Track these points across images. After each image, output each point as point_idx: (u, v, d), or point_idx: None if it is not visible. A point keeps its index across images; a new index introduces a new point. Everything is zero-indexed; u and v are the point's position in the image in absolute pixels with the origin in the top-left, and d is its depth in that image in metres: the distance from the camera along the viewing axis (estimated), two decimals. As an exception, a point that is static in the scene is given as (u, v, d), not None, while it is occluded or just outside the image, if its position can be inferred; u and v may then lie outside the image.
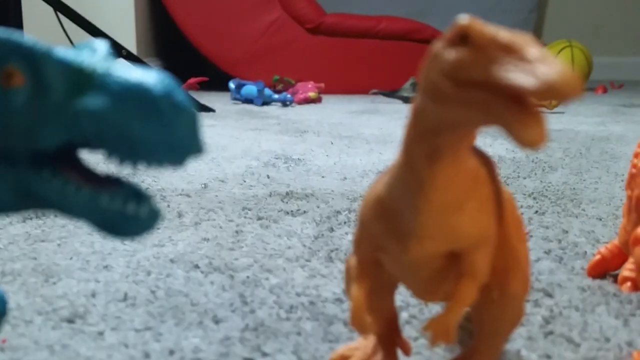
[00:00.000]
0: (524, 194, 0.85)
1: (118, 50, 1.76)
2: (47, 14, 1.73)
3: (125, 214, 0.22)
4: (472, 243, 0.29)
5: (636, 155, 0.49)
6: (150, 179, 0.92)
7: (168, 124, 0.21)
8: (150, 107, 0.21)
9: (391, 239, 0.29)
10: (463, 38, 0.22)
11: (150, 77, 0.21)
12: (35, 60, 0.21)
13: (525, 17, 3.13)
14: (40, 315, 0.46)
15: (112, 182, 0.23)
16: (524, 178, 0.95)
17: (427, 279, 0.31)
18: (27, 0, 1.70)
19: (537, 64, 0.20)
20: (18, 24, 1.65)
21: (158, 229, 0.68)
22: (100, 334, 0.44)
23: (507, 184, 0.91)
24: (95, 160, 0.24)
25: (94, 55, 0.23)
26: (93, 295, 0.50)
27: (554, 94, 0.20)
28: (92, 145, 0.22)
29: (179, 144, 0.21)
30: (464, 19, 0.23)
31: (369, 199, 0.31)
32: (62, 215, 0.23)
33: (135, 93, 0.21)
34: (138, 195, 0.23)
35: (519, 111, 0.21)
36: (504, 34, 0.22)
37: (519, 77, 0.21)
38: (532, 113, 0.21)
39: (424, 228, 0.28)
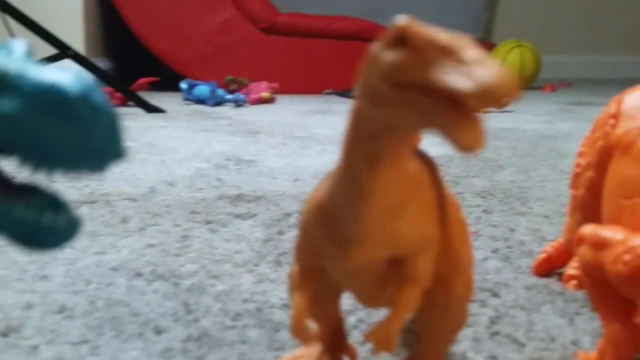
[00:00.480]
0: (473, 193, 0.86)
1: (64, 50, 1.71)
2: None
3: (41, 225, 0.21)
4: (415, 247, 0.28)
5: (580, 155, 0.50)
6: (94, 183, 0.89)
7: (85, 128, 0.20)
8: (65, 110, 0.19)
9: (332, 245, 0.29)
10: (401, 39, 0.22)
11: (65, 77, 0.20)
12: None
13: (476, 17, 3.17)
14: (-30, 330, 0.44)
15: (28, 191, 0.22)
16: (473, 177, 0.96)
17: (370, 285, 0.31)
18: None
19: (474, 67, 0.20)
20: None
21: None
22: (35, 348, 0.42)
23: (457, 183, 0.91)
24: (12, 166, 0.22)
25: (8, 56, 0.21)
26: (29, 307, 0.48)
27: (491, 98, 0.19)
28: (4, 151, 0.20)
29: (97, 148, 0.20)
30: (402, 19, 0.22)
31: (310, 204, 0.30)
32: None
33: (49, 95, 0.19)
34: (55, 205, 0.22)
35: (457, 114, 0.21)
36: (442, 36, 0.21)
37: (456, 80, 0.20)
38: (469, 116, 0.21)
39: (365, 233, 0.27)
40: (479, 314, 0.48)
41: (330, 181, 0.29)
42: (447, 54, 0.21)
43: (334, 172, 0.29)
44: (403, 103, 0.22)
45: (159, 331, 0.44)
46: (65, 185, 0.88)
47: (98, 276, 0.54)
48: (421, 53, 0.21)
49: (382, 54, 0.23)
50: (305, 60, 2.44)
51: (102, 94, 0.20)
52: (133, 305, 0.48)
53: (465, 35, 0.21)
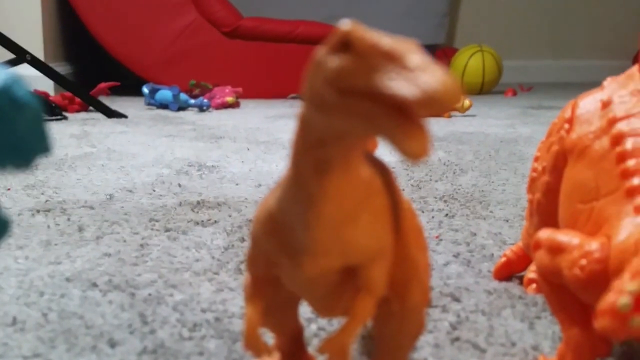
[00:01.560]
0: (435, 197, 0.86)
1: (22, 54, 1.67)
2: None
3: None
4: (368, 256, 0.28)
5: (536, 159, 0.50)
6: (50, 190, 0.87)
7: (7, 122, 0.19)
8: None
9: (284, 255, 0.28)
10: (345, 44, 0.21)
11: None
12: None
13: (438, 22, 3.20)
14: None
15: None
16: (436, 181, 0.96)
17: (324, 295, 0.30)
18: None
19: (418, 73, 0.20)
20: None
21: (56, 244, 0.64)
22: (-18, 364, 0.40)
23: (419, 188, 0.92)
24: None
25: None
26: (-24, 321, 0.46)
27: (435, 104, 0.19)
28: None
29: (21, 143, 0.19)
30: (346, 24, 0.22)
31: (261, 213, 0.29)
32: None
33: None
34: None
35: (402, 122, 0.20)
36: (386, 41, 0.21)
37: (400, 86, 0.20)
38: (415, 123, 0.20)
39: (317, 243, 0.26)
40: (439, 319, 0.48)
41: (280, 190, 0.28)
42: (391, 59, 0.21)
43: (283, 180, 0.28)
44: (348, 109, 0.22)
45: (113, 344, 0.43)
46: (21, 193, 0.85)
47: (52, 287, 0.52)
48: (365, 58, 0.21)
49: (327, 59, 0.22)
50: (270, 64, 2.43)
51: (25, 87, 0.19)
52: (87, 317, 0.47)
53: (410, 40, 0.21)
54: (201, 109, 1.94)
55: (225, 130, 1.53)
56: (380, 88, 0.20)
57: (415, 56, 0.20)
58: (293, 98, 2.16)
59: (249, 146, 1.29)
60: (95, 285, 0.53)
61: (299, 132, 0.25)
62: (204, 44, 2.36)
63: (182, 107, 1.95)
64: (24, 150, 0.20)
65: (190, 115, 1.84)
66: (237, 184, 0.95)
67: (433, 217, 0.76)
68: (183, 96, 1.96)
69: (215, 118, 1.77)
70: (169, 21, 2.34)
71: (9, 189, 0.87)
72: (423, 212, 0.78)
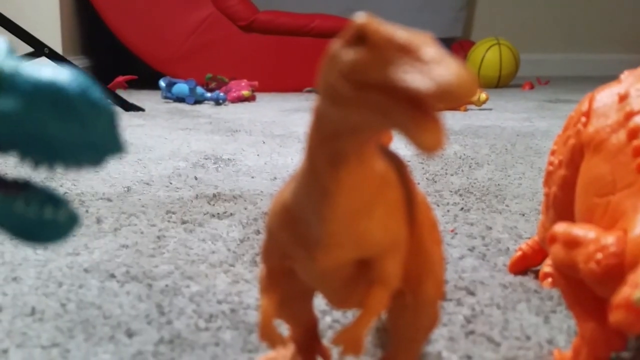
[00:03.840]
0: (451, 191, 0.86)
1: (40, 48, 1.68)
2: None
3: (42, 219, 0.21)
4: (382, 249, 0.28)
5: (553, 153, 0.50)
6: (69, 182, 0.88)
7: (85, 123, 0.20)
8: (66, 106, 0.20)
9: (299, 248, 0.28)
10: (360, 38, 0.21)
11: (63, 75, 0.20)
12: None
13: (455, 15, 3.18)
14: (-64, 335, 0.43)
15: (25, 187, 0.22)
16: (451, 175, 0.96)
17: (339, 287, 0.30)
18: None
19: (433, 65, 0.20)
20: None
21: (74, 235, 0.65)
22: (5, 351, 0.41)
23: (435, 181, 0.91)
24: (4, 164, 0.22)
25: None
26: (-2, 310, 0.47)
27: (449, 97, 0.19)
28: (4, 148, 0.20)
29: (97, 143, 0.20)
30: (361, 17, 0.22)
31: (276, 206, 0.30)
32: None
33: (48, 92, 0.19)
34: (55, 199, 0.22)
35: (417, 115, 0.20)
36: (401, 34, 0.21)
37: (415, 79, 0.20)
38: (429, 116, 0.20)
39: (331, 236, 0.27)
40: (454, 312, 0.48)
41: (295, 182, 0.28)
42: (406, 52, 0.21)
43: (298, 173, 0.28)
44: (363, 102, 0.22)
45: (130, 334, 0.43)
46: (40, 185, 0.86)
47: (70, 278, 0.53)
48: (380, 51, 0.21)
49: (342, 52, 0.22)
50: (285, 58, 2.43)
51: (99, 90, 0.20)
52: (105, 307, 0.48)
53: (425, 33, 0.21)
54: (217, 102, 1.94)
55: (241, 123, 1.53)
56: (395, 81, 0.20)
57: (430, 49, 0.20)
58: (308, 92, 2.16)
59: (265, 139, 1.30)
60: (113, 276, 0.54)
61: (314, 125, 0.25)
62: (220, 38, 2.37)
63: (199, 101, 1.96)
64: (100, 150, 0.21)
65: (206, 108, 1.85)
66: (252, 177, 0.95)
67: (448, 210, 0.76)
68: (199, 90, 1.96)
69: (231, 111, 1.78)
70: (185, 15, 2.34)
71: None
72: (438, 205, 0.78)
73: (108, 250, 0.61)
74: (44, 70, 0.20)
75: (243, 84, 2.12)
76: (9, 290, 0.51)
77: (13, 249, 0.60)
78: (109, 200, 0.79)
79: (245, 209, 0.77)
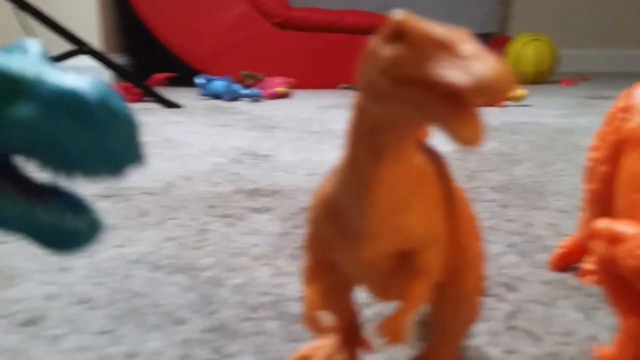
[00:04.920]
0: (489, 188, 0.85)
1: (81, 46, 1.72)
2: (3, 8, 1.69)
3: (62, 227, 0.21)
4: (422, 242, 0.29)
5: (593, 149, 0.50)
6: (113, 177, 0.90)
7: (104, 133, 0.20)
8: (85, 115, 0.20)
9: (340, 239, 0.29)
10: (398, 34, 0.22)
11: (84, 83, 0.20)
12: None
13: (491, 10, 3.15)
14: (-5, 320, 0.45)
15: (49, 192, 0.22)
16: (489, 171, 0.96)
17: (380, 279, 0.31)
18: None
19: (471, 61, 0.20)
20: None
21: (120, 228, 0.67)
22: (57, 338, 0.43)
23: (473, 178, 0.91)
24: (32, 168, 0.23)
25: (24, 57, 0.21)
26: (51, 298, 0.49)
27: (488, 92, 0.19)
28: (24, 155, 0.20)
29: (116, 153, 0.20)
30: (398, 14, 0.22)
31: (318, 200, 0.30)
32: None
33: (68, 100, 0.19)
34: (77, 206, 0.22)
35: (455, 109, 0.21)
36: (439, 30, 0.21)
37: (453, 74, 0.20)
38: (468, 111, 0.21)
39: (371, 228, 0.27)
40: (495, 308, 0.48)
41: (336, 176, 0.29)
42: (444, 48, 0.21)
43: (339, 167, 0.29)
44: (402, 98, 0.22)
45: (178, 322, 0.45)
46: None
47: (118, 268, 0.55)
48: (418, 47, 0.22)
49: (381, 48, 0.23)
50: (320, 54, 2.44)
51: (120, 99, 0.20)
52: (153, 297, 0.49)
53: (463, 29, 0.22)
54: (253, 99, 1.96)
55: (278, 120, 1.55)
56: (433, 76, 0.21)
57: (468, 45, 0.21)
58: (343, 88, 2.16)
59: (301, 136, 1.31)
60: (158, 267, 0.56)
61: (354, 121, 0.26)
62: (255, 35, 2.39)
63: (235, 98, 1.98)
64: (119, 160, 0.20)
65: (242, 105, 1.87)
66: (290, 173, 0.96)
67: (487, 207, 0.76)
68: (236, 87, 1.99)
69: (267, 108, 1.80)
70: (220, 13, 2.37)
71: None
72: (476, 202, 0.78)
73: (153, 242, 0.63)
74: (66, 77, 0.20)
75: (278, 80, 2.14)
76: (60, 280, 0.53)
77: (63, 241, 0.62)
78: (152, 194, 0.82)
79: (284, 204, 0.78)
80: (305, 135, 1.32)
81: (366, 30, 2.44)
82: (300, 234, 0.66)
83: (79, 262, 0.56)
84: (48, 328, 0.44)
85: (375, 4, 2.85)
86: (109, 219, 0.70)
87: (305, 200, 0.80)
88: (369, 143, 0.25)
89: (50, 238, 0.21)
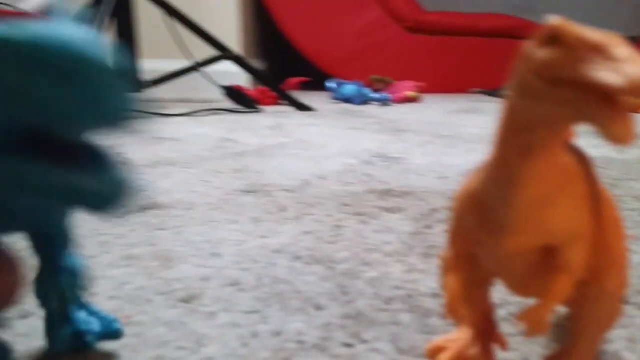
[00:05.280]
0: (632, 197, 0.82)
1: (225, 52, 1.84)
2: (160, 16, 1.84)
3: (100, 192, 0.21)
4: (567, 238, 0.30)
5: None
6: (254, 174, 0.97)
7: (74, 81, 0.19)
8: (44, 64, 0.19)
9: (485, 232, 0.31)
10: (554, 38, 0.24)
11: (47, 31, 0.19)
12: None
13: (633, 14, 2.95)
14: (159, 295, 0.51)
15: (80, 154, 0.22)
16: (633, 180, 0.91)
17: (522, 273, 0.32)
18: (141, 5, 1.81)
19: (624, 63, 0.21)
20: (132, 25, 1.77)
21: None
22: (213, 314, 0.48)
23: (616, 187, 0.87)
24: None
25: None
26: (205, 279, 0.54)
27: None
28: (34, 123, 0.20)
29: (98, 104, 0.20)
30: (555, 20, 0.24)
31: (463, 193, 0.32)
32: (40, 196, 0.21)
33: (30, 52, 0.19)
34: (100, 168, 0.22)
35: (608, 109, 0.22)
36: (593, 34, 0.23)
37: (607, 75, 0.21)
38: (620, 111, 0.22)
39: (517, 222, 0.29)
40: (634, 316, 0.47)
41: (483, 172, 0.31)
42: (598, 51, 0.22)
43: (486, 163, 0.30)
44: (556, 98, 0.24)
45: (318, 308, 0.48)
46: (231, 176, 0.96)
47: (263, 257, 0.60)
48: (573, 51, 0.23)
49: (536, 51, 0.25)
50: (452, 58, 2.42)
51: (96, 47, 0.19)
52: (294, 284, 0.53)
53: (615, 34, 0.23)
54: (383, 103, 1.99)
55: (408, 123, 1.56)
56: (587, 77, 0.22)
57: (621, 48, 0.22)
58: (475, 92, 2.13)
59: (432, 140, 1.32)
60: (298, 257, 0.60)
61: (505, 119, 0.28)
62: (386, 40, 2.42)
63: (365, 102, 2.02)
64: (104, 111, 0.20)
65: (372, 109, 1.90)
66: (421, 176, 0.98)
67: (629, 216, 0.73)
68: (366, 91, 2.03)
69: (397, 112, 1.82)
70: (352, 18, 2.43)
71: (220, 172, 0.99)
72: (619, 211, 0.75)
73: (292, 235, 0.67)
74: (32, 29, 0.19)
75: (408, 84, 2.15)
76: (212, 264, 0.58)
77: (213, 230, 0.68)
78: (290, 191, 0.87)
79: (416, 205, 0.80)
80: (435, 139, 1.33)
81: (501, 34, 2.39)
82: (432, 234, 0.68)
83: (229, 250, 0.62)
84: (204, 305, 0.49)
85: (510, 6, 2.77)
86: (254, 211, 0.76)
87: (437, 202, 0.81)
88: (519, 140, 0.27)
89: (77, 199, 0.21)
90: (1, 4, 2.18)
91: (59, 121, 0.20)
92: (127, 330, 0.44)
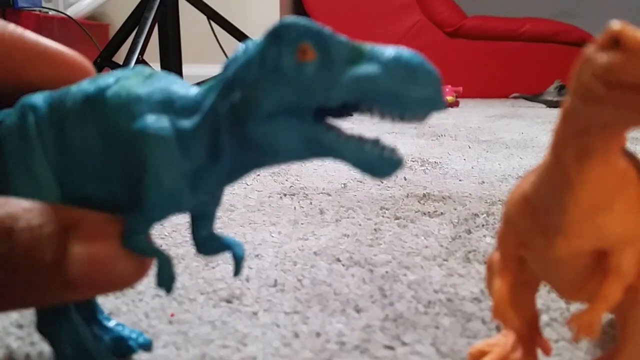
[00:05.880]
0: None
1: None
2: (201, 22, 1.87)
3: (383, 157, 0.27)
4: (619, 242, 0.29)
5: None
6: (293, 178, 0.97)
7: (424, 86, 0.25)
8: (412, 73, 0.25)
9: (537, 235, 0.31)
10: (615, 42, 0.23)
11: (407, 51, 0.26)
12: (323, 40, 0.26)
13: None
14: (202, 294, 0.52)
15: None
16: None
17: (572, 277, 0.32)
18: (184, 10, 1.84)
19: None
20: (176, 31, 1.80)
21: (302, 223, 0.72)
22: (255, 314, 0.48)
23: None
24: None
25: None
26: (247, 279, 0.55)
27: None
28: (363, 104, 0.26)
29: (431, 101, 0.26)
30: (616, 24, 0.24)
31: (515, 196, 0.32)
32: (332, 158, 0.27)
33: (400, 61, 0.25)
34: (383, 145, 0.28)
35: None
36: None
37: None
38: None
39: (571, 225, 0.29)
40: (684, 325, 0.46)
41: (537, 174, 0.31)
42: None
43: (540, 166, 0.30)
44: (616, 101, 0.24)
45: (358, 310, 0.49)
46: (269, 179, 0.97)
47: (302, 259, 0.60)
48: (634, 55, 0.23)
49: (596, 55, 0.24)
50: (492, 63, 2.40)
51: (430, 63, 0.26)
52: (334, 285, 0.54)
53: None
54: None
55: (446, 128, 1.55)
56: None
57: None
58: (515, 98, 2.10)
59: (470, 144, 1.31)
60: (338, 260, 0.60)
61: (562, 122, 0.28)
62: (426, 44, 2.41)
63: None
64: (430, 105, 0.26)
65: (411, 113, 1.90)
66: (460, 180, 0.97)
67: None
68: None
69: (435, 116, 1.81)
70: (394, 22, 2.42)
71: (258, 175, 1.00)
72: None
73: (332, 237, 0.67)
74: (391, 49, 0.26)
75: (447, 89, 2.14)
76: (253, 265, 0.59)
77: (253, 232, 0.69)
78: (329, 194, 0.87)
79: (455, 209, 0.79)
80: (474, 144, 1.32)
81: (543, 39, 2.36)
82: (472, 239, 0.67)
83: (269, 251, 0.63)
84: (246, 305, 0.50)
85: (552, 11, 2.73)
86: (292, 214, 0.77)
87: (477, 207, 0.80)
88: (576, 143, 0.27)
89: (373, 165, 0.26)
90: (49, 9, 2.25)
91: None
92: (171, 329, 0.45)
